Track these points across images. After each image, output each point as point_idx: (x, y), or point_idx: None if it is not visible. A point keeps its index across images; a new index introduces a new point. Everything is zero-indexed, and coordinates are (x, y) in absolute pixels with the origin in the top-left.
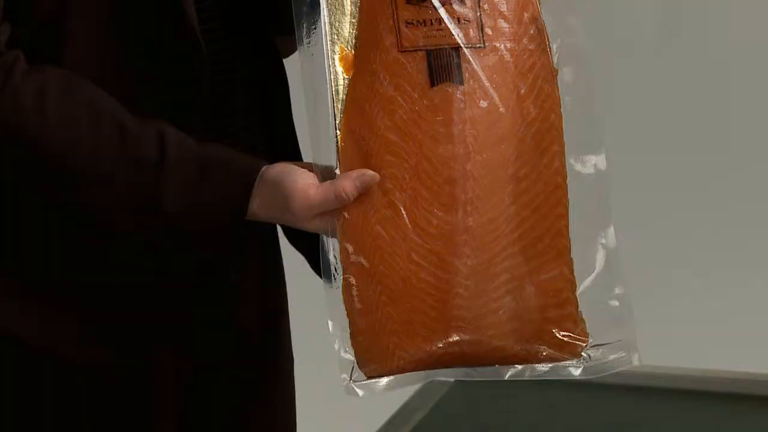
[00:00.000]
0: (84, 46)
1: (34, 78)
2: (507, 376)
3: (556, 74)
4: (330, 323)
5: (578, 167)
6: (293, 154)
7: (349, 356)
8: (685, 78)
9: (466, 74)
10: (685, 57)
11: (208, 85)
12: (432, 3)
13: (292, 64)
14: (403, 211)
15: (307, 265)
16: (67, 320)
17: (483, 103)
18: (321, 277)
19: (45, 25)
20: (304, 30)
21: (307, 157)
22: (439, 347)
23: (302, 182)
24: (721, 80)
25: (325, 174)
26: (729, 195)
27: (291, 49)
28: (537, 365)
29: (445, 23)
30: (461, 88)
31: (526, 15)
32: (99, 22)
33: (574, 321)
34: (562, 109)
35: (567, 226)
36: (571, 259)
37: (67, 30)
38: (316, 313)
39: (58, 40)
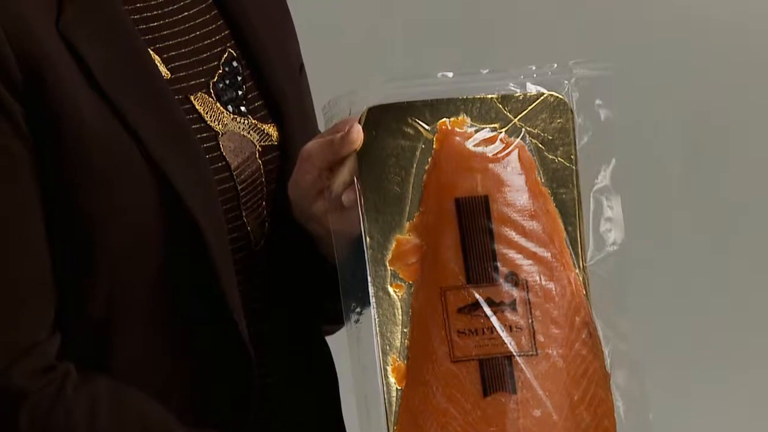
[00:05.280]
0: (135, 348)
1: (86, 392)
2: None
3: (609, 379)
4: None
5: None
6: None
7: None
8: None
9: (519, 383)
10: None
11: (257, 384)
12: (484, 311)
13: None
14: None
15: None
16: None
17: (536, 412)
18: None
19: (97, 328)
20: (356, 341)
21: None
22: None
23: None
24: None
25: None
26: None
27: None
28: None
29: (497, 332)
30: (514, 397)
31: (577, 320)
32: (147, 324)
33: None
34: (615, 414)
35: None
36: None
37: (117, 331)
38: None
39: (109, 342)
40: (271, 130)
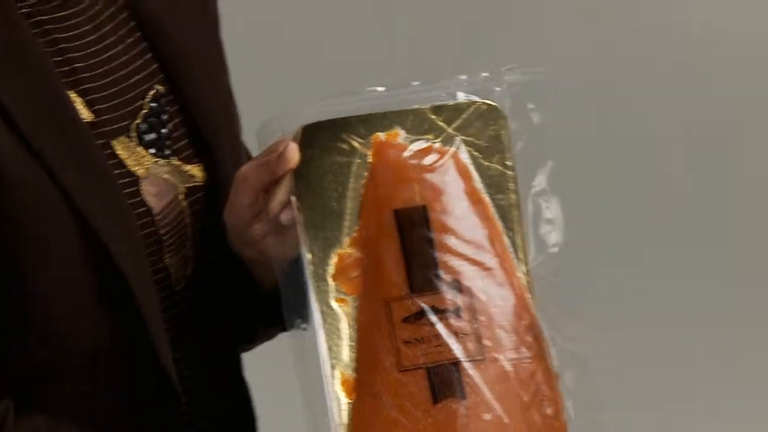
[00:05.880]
0: (66, 391)
1: (28, 426)
2: None
3: (557, 379)
4: None
5: None
6: None
7: None
8: None
9: (468, 388)
10: None
11: (188, 422)
12: (429, 319)
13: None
14: None
15: None
16: None
17: (487, 416)
18: None
19: (30, 372)
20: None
21: None
22: None
23: None
24: None
25: None
26: None
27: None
28: None
29: (443, 339)
30: (464, 402)
31: (523, 323)
32: (77, 369)
33: None
34: (565, 415)
35: None
36: None
37: (48, 376)
38: None
39: (41, 386)
40: (197, 170)
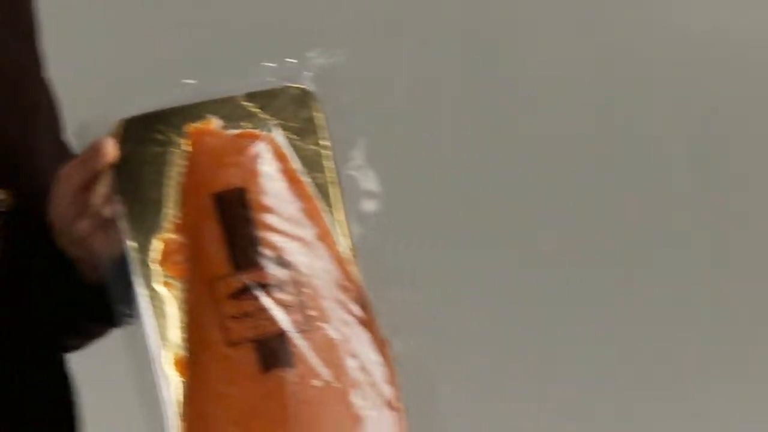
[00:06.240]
0: None
1: None
2: None
3: (387, 346)
4: None
5: None
6: None
7: None
8: None
9: (295, 358)
10: None
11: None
12: (254, 294)
13: None
14: None
15: None
16: None
17: (316, 383)
18: None
19: None
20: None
21: None
22: None
23: None
24: None
25: None
26: None
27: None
28: None
29: (268, 312)
30: (292, 371)
31: (347, 294)
32: None
33: None
34: (396, 380)
35: None
36: None
37: None
38: None
39: None
40: (2, 195)
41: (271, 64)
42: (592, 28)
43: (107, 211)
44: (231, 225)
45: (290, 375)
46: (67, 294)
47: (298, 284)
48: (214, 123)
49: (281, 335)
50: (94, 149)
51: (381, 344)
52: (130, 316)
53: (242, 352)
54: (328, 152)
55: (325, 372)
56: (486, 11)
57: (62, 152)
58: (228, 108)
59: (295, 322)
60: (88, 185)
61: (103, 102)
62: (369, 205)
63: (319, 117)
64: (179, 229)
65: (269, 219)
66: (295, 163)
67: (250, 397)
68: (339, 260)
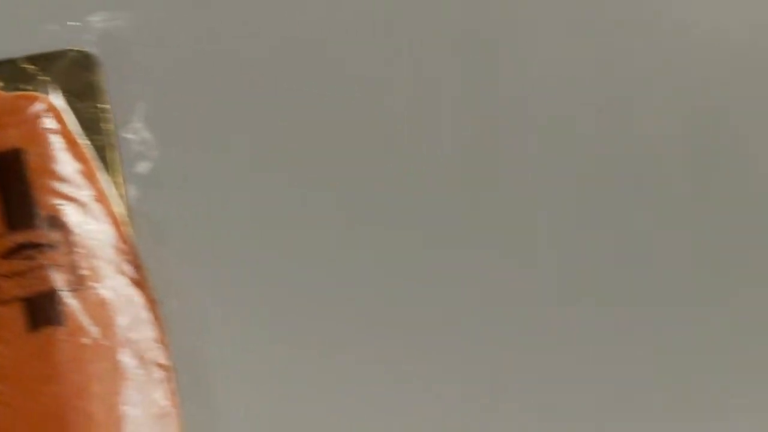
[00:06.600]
0: None
1: None
2: None
3: (157, 305)
4: None
5: None
6: None
7: None
8: None
9: (65, 316)
10: None
11: None
12: (26, 254)
13: None
14: None
15: None
16: None
17: (85, 340)
18: None
19: None
20: None
21: None
22: None
23: None
24: None
25: None
26: None
27: None
28: None
29: (40, 271)
30: (61, 329)
31: (121, 254)
32: None
33: None
34: (167, 338)
35: None
36: None
37: None
38: None
39: None
40: None
41: (53, 27)
42: (592, 28)
43: None
44: (6, 185)
45: (59, 333)
46: None
47: (71, 244)
48: None
49: (52, 294)
50: None
51: (152, 304)
52: None
53: (11, 311)
54: (108, 115)
55: (94, 330)
56: None
57: None
58: (7, 70)
59: (66, 281)
60: None
61: None
62: (146, 167)
63: (99, 80)
64: None
65: (46, 181)
66: (74, 126)
67: (19, 355)
68: (115, 221)
